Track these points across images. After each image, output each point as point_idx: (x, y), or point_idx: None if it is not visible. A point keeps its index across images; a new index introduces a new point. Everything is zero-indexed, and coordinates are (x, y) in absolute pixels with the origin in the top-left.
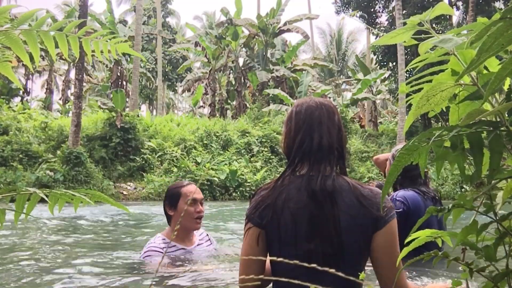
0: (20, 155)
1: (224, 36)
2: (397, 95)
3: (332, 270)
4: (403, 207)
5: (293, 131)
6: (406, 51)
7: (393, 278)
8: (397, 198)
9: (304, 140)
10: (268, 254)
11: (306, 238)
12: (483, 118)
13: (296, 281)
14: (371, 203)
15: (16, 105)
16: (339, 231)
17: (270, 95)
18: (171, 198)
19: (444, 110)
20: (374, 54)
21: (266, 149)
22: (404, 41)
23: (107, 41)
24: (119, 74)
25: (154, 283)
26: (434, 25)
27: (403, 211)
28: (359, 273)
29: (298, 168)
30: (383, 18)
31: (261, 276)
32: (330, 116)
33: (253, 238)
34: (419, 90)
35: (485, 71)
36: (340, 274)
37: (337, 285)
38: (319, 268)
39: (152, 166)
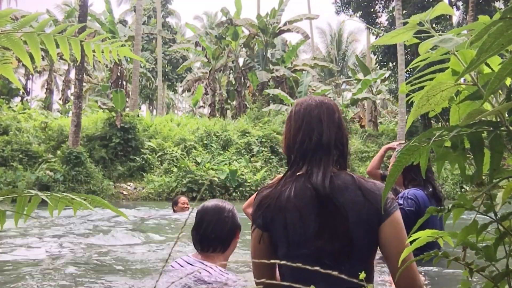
0: (20, 155)
1: (224, 36)
2: (397, 95)
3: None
4: (414, 206)
5: (292, 130)
6: (406, 51)
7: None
8: (409, 196)
9: (305, 140)
10: (276, 254)
11: (315, 235)
12: (483, 118)
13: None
14: (375, 196)
15: (16, 105)
16: (347, 227)
17: (270, 95)
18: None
19: (447, 108)
20: (374, 54)
21: (266, 149)
22: (405, 41)
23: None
24: (119, 74)
25: None
26: (434, 25)
27: (414, 210)
28: (369, 267)
29: (300, 167)
30: (383, 18)
31: (276, 282)
32: (329, 113)
33: (257, 239)
34: (419, 89)
35: (486, 71)
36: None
37: (348, 281)
38: (322, 271)
39: (152, 166)
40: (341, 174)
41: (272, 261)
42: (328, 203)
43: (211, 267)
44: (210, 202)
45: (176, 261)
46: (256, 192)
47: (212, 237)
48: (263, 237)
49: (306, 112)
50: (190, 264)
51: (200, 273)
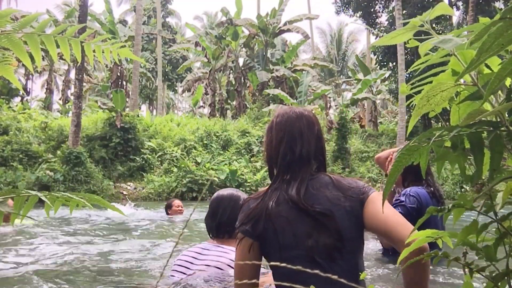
0: (20, 155)
1: (224, 36)
2: (397, 95)
3: (335, 276)
4: (416, 203)
5: (274, 141)
6: (406, 52)
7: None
8: (411, 194)
9: (287, 152)
10: (265, 260)
11: (304, 235)
12: (483, 118)
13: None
14: (354, 190)
15: (16, 105)
16: (335, 222)
17: (270, 95)
18: None
19: (447, 108)
20: (374, 54)
21: None
22: (406, 42)
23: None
24: (119, 74)
25: None
26: (434, 25)
27: (416, 207)
28: (361, 261)
29: (283, 176)
30: (383, 18)
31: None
32: (309, 126)
33: (246, 248)
34: (421, 91)
35: (486, 71)
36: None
37: (343, 275)
38: (319, 272)
39: (152, 166)
40: (319, 176)
41: (272, 263)
42: (308, 210)
43: (230, 250)
44: (225, 191)
45: (190, 250)
46: (242, 203)
47: (228, 223)
48: (253, 246)
49: (287, 124)
50: (207, 250)
51: (220, 256)
